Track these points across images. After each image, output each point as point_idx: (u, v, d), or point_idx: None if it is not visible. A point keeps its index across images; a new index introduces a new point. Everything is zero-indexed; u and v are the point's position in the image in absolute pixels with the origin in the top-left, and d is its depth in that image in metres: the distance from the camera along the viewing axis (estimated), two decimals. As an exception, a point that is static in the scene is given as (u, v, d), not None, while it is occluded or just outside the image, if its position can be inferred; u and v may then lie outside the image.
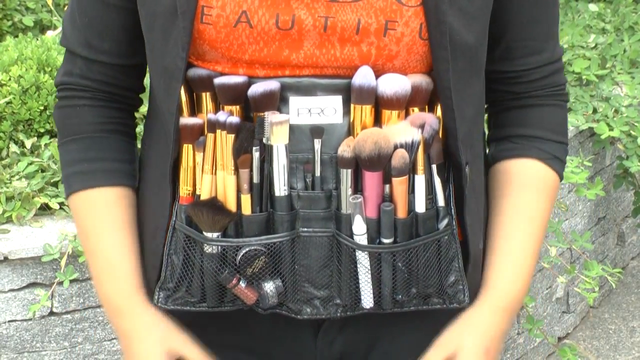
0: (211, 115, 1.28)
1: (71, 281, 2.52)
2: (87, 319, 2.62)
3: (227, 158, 1.27)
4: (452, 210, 1.31)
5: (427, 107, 1.30)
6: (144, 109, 3.07)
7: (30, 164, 2.76)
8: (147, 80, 1.47)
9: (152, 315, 1.36)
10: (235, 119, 1.26)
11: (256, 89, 1.25)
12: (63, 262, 2.49)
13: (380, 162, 1.24)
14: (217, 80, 1.27)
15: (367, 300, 1.29)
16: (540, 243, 1.41)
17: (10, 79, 2.85)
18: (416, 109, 1.29)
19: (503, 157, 1.42)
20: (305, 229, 1.28)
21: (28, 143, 2.85)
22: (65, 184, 1.41)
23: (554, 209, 3.13)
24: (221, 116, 1.26)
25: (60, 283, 2.51)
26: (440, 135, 1.30)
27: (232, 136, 1.26)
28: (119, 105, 1.42)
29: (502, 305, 1.36)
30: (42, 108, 2.86)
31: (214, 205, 1.27)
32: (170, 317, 1.37)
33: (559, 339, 3.68)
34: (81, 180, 1.39)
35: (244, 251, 1.27)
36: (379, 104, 1.26)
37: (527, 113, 1.42)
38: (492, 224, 1.41)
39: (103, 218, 1.38)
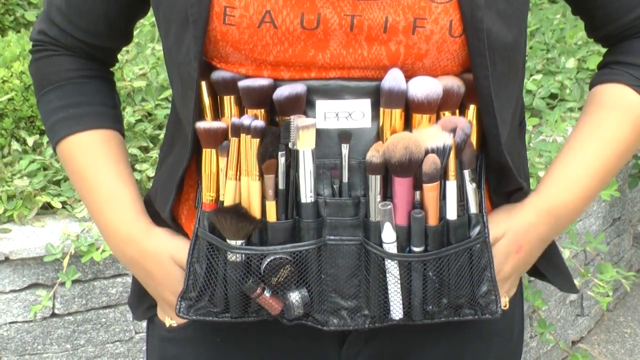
0: (235, 119, 1.26)
1: (73, 282, 2.53)
2: (89, 321, 2.63)
3: (251, 163, 1.25)
4: (485, 218, 1.30)
5: (457, 110, 1.29)
6: (148, 106, 3.06)
7: (32, 162, 2.76)
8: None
9: (160, 236, 1.38)
10: (260, 123, 1.25)
11: (282, 92, 1.24)
12: (65, 262, 2.50)
13: (411, 168, 1.23)
14: (241, 83, 1.25)
15: (397, 311, 1.28)
16: (614, 169, 1.40)
17: (12, 75, 2.84)
18: (447, 113, 1.27)
19: (597, 83, 1.43)
20: (333, 237, 1.26)
21: (30, 140, 2.85)
22: (49, 135, 1.44)
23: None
24: (246, 120, 1.25)
25: (62, 284, 2.52)
26: (475, 141, 1.30)
27: (256, 140, 1.25)
28: (94, 60, 1.48)
29: (546, 208, 1.36)
30: (44, 104, 2.85)
31: (238, 212, 1.26)
32: (178, 234, 1.39)
33: (573, 342, 3.68)
34: (68, 126, 1.42)
35: (268, 260, 1.26)
36: (409, 107, 1.25)
37: (630, 43, 1.42)
38: (567, 139, 1.41)
39: (96, 155, 1.41)
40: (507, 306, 1.41)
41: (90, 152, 1.42)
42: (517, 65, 1.31)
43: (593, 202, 3.61)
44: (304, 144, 1.23)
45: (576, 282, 2.94)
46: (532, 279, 2.97)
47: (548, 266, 1.48)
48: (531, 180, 2.49)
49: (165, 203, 1.36)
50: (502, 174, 1.34)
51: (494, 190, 1.37)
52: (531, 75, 3.60)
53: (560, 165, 1.38)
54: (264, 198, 1.26)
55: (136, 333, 2.72)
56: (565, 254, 2.94)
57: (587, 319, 3.76)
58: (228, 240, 1.27)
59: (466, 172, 1.28)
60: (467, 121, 1.28)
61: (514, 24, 1.27)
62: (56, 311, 2.58)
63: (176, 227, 1.38)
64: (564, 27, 3.98)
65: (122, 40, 1.47)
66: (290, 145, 1.24)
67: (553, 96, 3.54)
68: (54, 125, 1.43)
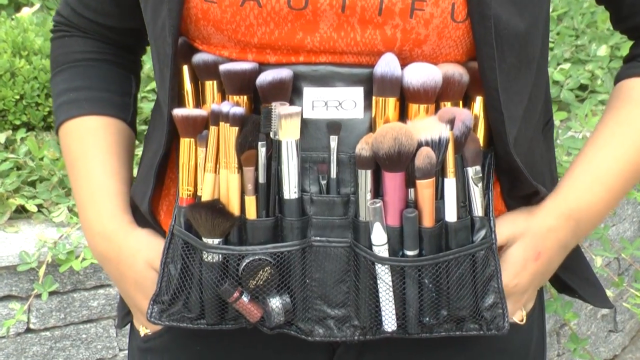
0: (214, 106, 1.28)
1: (50, 294, 2.53)
2: (68, 337, 2.63)
3: (230, 154, 1.27)
4: (492, 222, 1.30)
5: (462, 102, 1.30)
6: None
7: (4, 160, 2.77)
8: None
9: (138, 237, 1.40)
10: (239, 110, 1.26)
11: (264, 77, 1.25)
12: (41, 272, 2.50)
13: (401, 161, 1.23)
14: (223, 67, 1.27)
15: (390, 322, 1.28)
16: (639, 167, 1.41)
17: (-19, 65, 2.86)
18: (448, 104, 1.28)
19: (623, 76, 1.44)
20: (319, 238, 1.27)
21: (2, 137, 2.86)
22: (54, 119, 1.49)
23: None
24: (225, 106, 1.26)
25: (38, 296, 2.53)
26: (482, 137, 1.30)
27: (235, 129, 1.26)
28: (113, 44, 1.52)
29: (567, 211, 1.36)
30: (17, 97, 2.86)
31: (214, 208, 1.27)
32: (159, 236, 1.40)
33: (605, 361, 3.68)
34: (66, 110, 1.46)
35: (247, 261, 1.27)
36: (405, 96, 1.26)
37: None
38: (590, 137, 1.42)
39: (86, 143, 1.44)
40: (524, 321, 1.41)
41: (82, 139, 1.45)
42: (529, 57, 1.31)
43: (627, 206, 3.61)
44: (287, 134, 1.24)
45: (609, 293, 2.94)
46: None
47: (576, 279, 1.48)
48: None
49: (144, 195, 1.38)
50: (513, 175, 1.34)
51: (507, 193, 1.37)
52: (558, 65, 3.59)
53: (582, 164, 1.39)
54: (243, 193, 1.27)
55: (120, 350, 2.72)
56: (597, 262, 2.93)
57: (620, 335, 3.76)
58: (204, 239, 1.28)
59: (469, 170, 1.28)
60: (471, 113, 1.28)
61: (528, 11, 1.27)
62: (31, 326, 2.59)
63: (155, 223, 1.40)
64: (595, 10, 3.96)
65: (138, 20, 1.46)
66: (271, 135, 1.25)
67: (582, 87, 3.53)
68: (56, 110, 1.49)
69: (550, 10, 3.86)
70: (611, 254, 2.96)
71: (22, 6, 3.78)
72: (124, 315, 1.52)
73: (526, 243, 1.34)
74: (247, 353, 1.42)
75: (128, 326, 1.55)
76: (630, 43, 1.47)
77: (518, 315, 1.39)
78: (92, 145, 1.45)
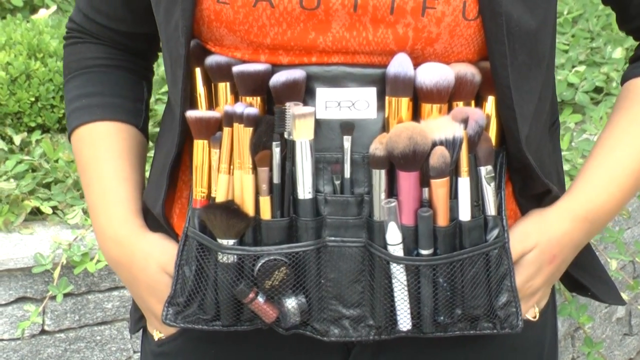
0: (228, 107, 1.28)
1: (65, 295, 2.53)
2: (83, 339, 2.64)
3: (244, 155, 1.27)
4: (504, 221, 1.31)
5: (473, 102, 1.30)
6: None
7: (20, 162, 2.77)
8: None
9: (151, 241, 1.40)
10: (253, 110, 1.26)
11: (278, 78, 1.25)
12: (56, 273, 2.51)
13: (416, 161, 1.24)
14: (236, 69, 1.27)
15: (405, 321, 1.29)
16: None
17: (-3, 67, 2.86)
18: (460, 104, 1.28)
19: (630, 76, 1.44)
20: (333, 238, 1.28)
21: (17, 139, 2.87)
22: (67, 125, 1.50)
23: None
24: (238, 107, 1.27)
25: (53, 297, 2.53)
26: (494, 136, 1.30)
27: (249, 130, 1.26)
28: (125, 49, 1.52)
29: (583, 213, 1.36)
30: (32, 99, 2.87)
31: (229, 208, 1.27)
32: (171, 239, 1.40)
33: (620, 366, 3.67)
34: (78, 117, 1.47)
35: (262, 261, 1.27)
36: (418, 96, 1.26)
37: None
38: (599, 137, 1.42)
39: (98, 148, 1.45)
40: (537, 317, 1.41)
41: (94, 144, 1.46)
42: (540, 56, 1.31)
43: (643, 207, 3.60)
44: (301, 134, 1.25)
45: (624, 296, 2.93)
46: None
47: (587, 276, 1.49)
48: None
49: (157, 198, 1.39)
50: (525, 174, 1.34)
51: (519, 192, 1.38)
52: (573, 67, 3.59)
53: (595, 165, 1.39)
54: (257, 193, 1.28)
55: (134, 352, 2.73)
56: (612, 265, 2.93)
57: (636, 338, 3.74)
58: (219, 240, 1.29)
59: (482, 169, 1.29)
60: (483, 113, 1.28)
61: (539, 9, 1.27)
62: (46, 328, 2.59)
63: (167, 226, 1.40)
64: (610, 13, 3.96)
65: (151, 24, 1.47)
66: (285, 135, 1.26)
67: (598, 90, 3.53)
68: (69, 116, 1.49)
69: (565, 12, 3.86)
70: (626, 257, 2.96)
71: (38, 8, 3.79)
72: (137, 319, 1.52)
73: (542, 249, 1.35)
74: (261, 355, 1.42)
75: (140, 330, 1.55)
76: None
77: (531, 312, 1.39)
78: (104, 150, 1.45)
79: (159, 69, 3.23)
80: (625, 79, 1.46)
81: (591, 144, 3.07)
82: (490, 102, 1.30)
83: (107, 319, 2.66)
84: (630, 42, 3.64)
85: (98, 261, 2.52)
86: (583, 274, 1.47)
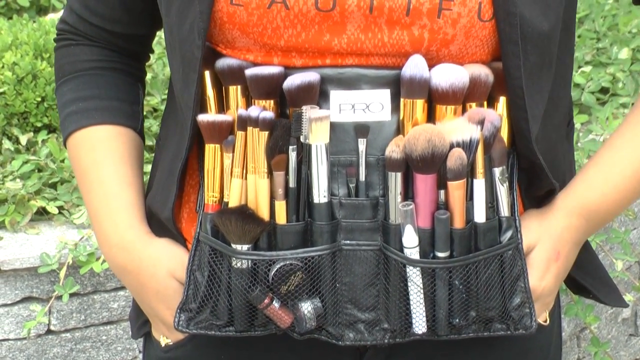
0: (242, 111, 1.27)
1: (71, 295, 2.52)
2: (88, 338, 2.64)
3: (259, 159, 1.26)
4: (517, 222, 1.30)
5: (486, 102, 1.30)
6: (153, 101, 3.08)
7: (26, 162, 2.77)
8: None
9: (158, 247, 1.39)
10: (269, 114, 1.25)
11: (292, 81, 1.24)
12: (62, 273, 2.50)
13: (434, 163, 1.23)
14: (249, 71, 1.26)
15: (420, 324, 1.29)
16: None
17: (3, 67, 2.85)
18: (474, 105, 1.28)
19: None
20: (348, 242, 1.27)
21: (23, 139, 2.86)
22: (61, 129, 1.47)
23: (619, 217, 3.11)
24: (253, 111, 1.26)
25: (59, 297, 2.52)
26: (506, 137, 1.30)
27: (265, 134, 1.25)
28: (119, 51, 1.50)
29: (577, 209, 1.37)
30: (39, 99, 2.86)
31: (244, 213, 1.27)
32: (179, 245, 1.39)
33: (625, 365, 3.67)
34: (76, 120, 1.45)
35: (277, 266, 1.26)
36: (433, 98, 1.26)
37: None
38: (609, 138, 1.42)
39: (99, 153, 1.43)
40: (548, 321, 1.41)
41: (94, 149, 1.44)
42: (550, 57, 1.31)
43: (650, 207, 3.60)
44: (317, 137, 1.24)
45: (630, 296, 2.93)
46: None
47: (589, 278, 1.49)
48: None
49: (165, 202, 1.37)
50: (533, 173, 1.34)
51: (525, 192, 1.38)
52: (579, 67, 3.59)
53: (596, 165, 1.39)
54: (272, 198, 1.27)
55: (140, 352, 2.72)
56: (618, 265, 2.93)
57: (642, 338, 3.75)
58: (233, 245, 1.28)
59: (496, 170, 1.29)
60: (497, 114, 1.28)
61: (552, 11, 1.27)
62: (52, 328, 2.59)
63: (176, 230, 1.39)
64: (617, 13, 3.96)
65: (147, 26, 1.48)
66: (302, 139, 1.25)
67: (604, 90, 3.53)
68: (63, 121, 1.47)
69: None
70: (632, 257, 2.95)
71: (44, 10, 3.79)
72: (140, 325, 1.51)
73: (545, 245, 1.35)
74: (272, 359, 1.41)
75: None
76: None
77: (542, 316, 1.39)
78: (104, 155, 1.43)
79: (165, 69, 3.22)
80: None
81: (597, 144, 3.07)
82: (502, 102, 1.30)
83: (113, 318, 2.65)
84: (637, 42, 3.64)
85: (104, 261, 2.51)
86: (584, 276, 1.47)
